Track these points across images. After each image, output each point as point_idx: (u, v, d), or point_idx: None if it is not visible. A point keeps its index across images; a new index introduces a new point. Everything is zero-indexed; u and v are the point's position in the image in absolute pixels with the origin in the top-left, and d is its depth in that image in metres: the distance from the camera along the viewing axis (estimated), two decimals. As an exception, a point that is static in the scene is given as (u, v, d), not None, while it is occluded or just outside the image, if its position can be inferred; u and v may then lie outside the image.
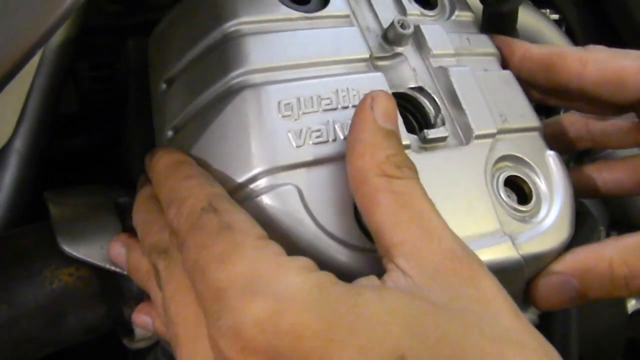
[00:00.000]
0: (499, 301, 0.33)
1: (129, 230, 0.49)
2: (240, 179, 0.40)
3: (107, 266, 0.47)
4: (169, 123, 0.46)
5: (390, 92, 0.43)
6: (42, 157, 0.56)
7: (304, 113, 0.41)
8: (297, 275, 0.32)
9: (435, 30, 0.49)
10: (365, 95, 0.39)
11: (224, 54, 0.44)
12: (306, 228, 0.39)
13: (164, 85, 0.48)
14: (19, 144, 0.54)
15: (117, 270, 0.47)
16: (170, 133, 0.46)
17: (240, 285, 0.31)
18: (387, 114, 0.38)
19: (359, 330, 0.30)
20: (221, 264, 0.32)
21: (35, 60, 0.52)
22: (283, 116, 0.41)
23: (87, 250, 0.47)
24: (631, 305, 0.86)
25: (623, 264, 0.42)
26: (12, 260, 0.47)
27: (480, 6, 0.55)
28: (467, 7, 0.55)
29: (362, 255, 0.39)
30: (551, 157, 0.48)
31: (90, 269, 0.48)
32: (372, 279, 0.35)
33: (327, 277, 0.33)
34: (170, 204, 0.38)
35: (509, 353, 0.31)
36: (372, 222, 0.35)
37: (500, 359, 0.30)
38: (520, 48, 0.52)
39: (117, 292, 0.49)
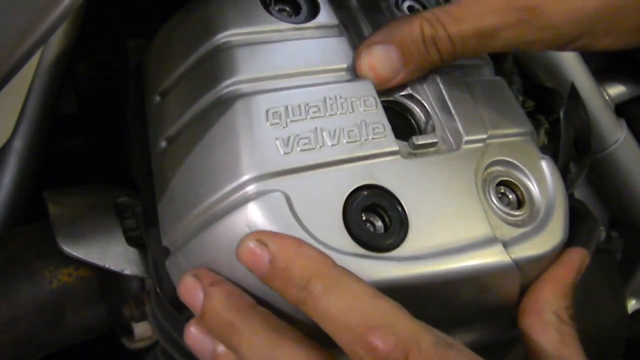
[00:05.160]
0: None
1: (127, 230, 0.49)
2: (230, 186, 0.40)
3: (107, 266, 0.47)
4: (163, 134, 0.47)
5: (379, 99, 0.44)
6: (41, 157, 0.56)
7: (291, 121, 0.42)
8: None
9: None
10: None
11: (215, 65, 0.45)
12: (294, 234, 0.39)
13: (158, 98, 0.49)
14: (18, 144, 0.54)
15: (117, 269, 0.47)
16: (163, 144, 0.47)
17: None
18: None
19: None
20: None
21: (34, 61, 0.52)
22: (271, 124, 0.41)
23: (86, 250, 0.47)
24: (631, 305, 0.86)
25: (429, 26, 0.45)
26: (12, 260, 0.48)
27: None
28: None
29: (350, 260, 0.39)
30: (544, 161, 0.48)
31: (89, 269, 0.48)
32: None
33: None
34: None
35: None
36: (536, 344, 0.44)
37: None
38: None
39: (116, 291, 0.49)
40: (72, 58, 0.55)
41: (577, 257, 0.47)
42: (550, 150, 0.55)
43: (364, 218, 0.41)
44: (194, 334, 0.40)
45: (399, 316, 0.36)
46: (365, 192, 0.41)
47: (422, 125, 0.47)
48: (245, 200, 0.40)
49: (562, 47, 0.49)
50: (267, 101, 0.42)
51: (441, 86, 0.47)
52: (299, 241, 0.38)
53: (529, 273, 0.44)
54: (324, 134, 0.42)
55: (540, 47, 0.48)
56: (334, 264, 0.37)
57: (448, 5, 0.46)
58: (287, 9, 0.49)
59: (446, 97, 0.47)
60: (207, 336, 0.40)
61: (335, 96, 0.44)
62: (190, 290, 0.40)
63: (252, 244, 0.37)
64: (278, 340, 0.38)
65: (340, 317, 0.35)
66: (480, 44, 0.46)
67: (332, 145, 0.42)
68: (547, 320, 0.44)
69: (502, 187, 0.46)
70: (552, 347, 0.43)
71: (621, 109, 0.87)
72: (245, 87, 0.43)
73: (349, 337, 0.35)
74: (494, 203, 0.45)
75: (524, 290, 0.45)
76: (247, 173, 0.40)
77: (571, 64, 0.76)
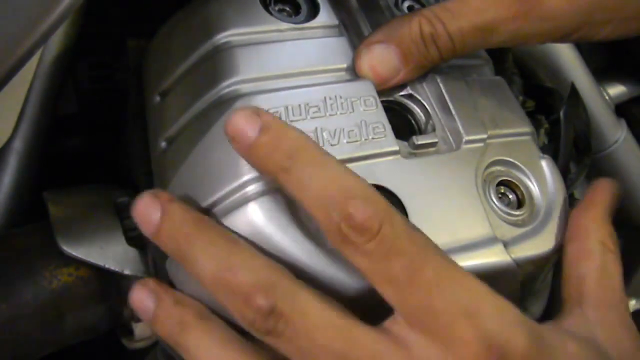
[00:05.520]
0: None
1: (127, 230, 0.49)
2: (230, 187, 0.40)
3: (107, 266, 0.47)
4: (163, 135, 0.47)
5: (379, 99, 0.44)
6: (41, 157, 0.56)
7: (292, 121, 0.42)
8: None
9: None
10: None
11: (215, 65, 0.45)
12: (294, 234, 0.39)
13: (157, 98, 0.49)
14: (18, 144, 0.54)
15: (117, 269, 0.47)
16: (163, 144, 0.47)
17: None
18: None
19: None
20: None
21: (34, 60, 0.52)
22: None
23: (86, 250, 0.47)
24: (631, 305, 0.86)
25: (428, 23, 0.45)
26: (12, 260, 0.47)
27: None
28: None
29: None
30: (544, 161, 0.48)
31: (89, 269, 0.48)
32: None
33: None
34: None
35: None
36: (577, 268, 0.44)
37: None
38: None
39: (116, 291, 0.49)
40: (72, 58, 0.55)
41: (607, 183, 0.48)
42: (550, 150, 0.55)
43: (364, 218, 0.41)
44: (138, 291, 0.41)
45: (377, 193, 0.37)
46: (366, 192, 0.41)
47: (422, 125, 0.47)
48: (246, 200, 0.40)
49: (562, 39, 0.48)
50: (267, 101, 0.42)
51: (441, 86, 0.47)
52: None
53: (529, 273, 0.44)
54: (324, 134, 0.42)
55: (540, 40, 0.48)
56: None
57: (447, 1, 0.47)
58: (287, 9, 0.49)
59: (446, 96, 0.47)
60: (150, 294, 0.40)
61: (336, 96, 0.44)
62: (149, 205, 0.39)
63: (245, 112, 0.38)
64: (235, 249, 0.38)
65: (322, 187, 0.36)
66: (480, 39, 0.46)
67: (332, 145, 0.42)
68: (592, 249, 0.44)
69: (502, 187, 0.46)
70: (593, 274, 0.43)
71: (621, 109, 0.87)
72: (245, 88, 0.43)
73: (327, 205, 0.36)
74: (494, 203, 0.45)
75: (524, 290, 0.45)
76: (247, 173, 0.40)
77: (571, 64, 0.75)
